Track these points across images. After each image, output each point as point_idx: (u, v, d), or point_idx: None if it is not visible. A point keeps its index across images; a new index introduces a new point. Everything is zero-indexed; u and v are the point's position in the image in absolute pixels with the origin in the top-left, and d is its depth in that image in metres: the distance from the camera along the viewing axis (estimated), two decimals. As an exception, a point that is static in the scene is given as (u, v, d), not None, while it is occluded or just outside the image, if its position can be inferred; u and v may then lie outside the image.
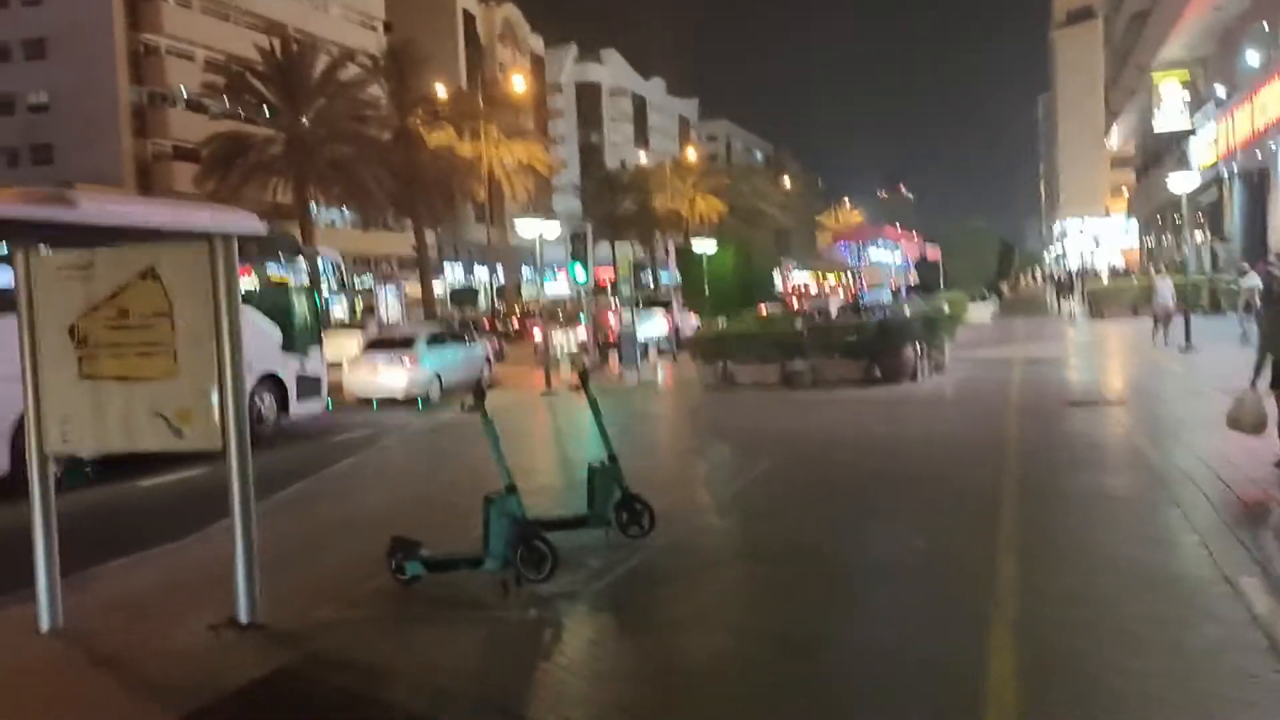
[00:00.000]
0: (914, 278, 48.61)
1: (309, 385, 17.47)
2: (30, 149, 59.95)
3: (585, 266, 24.47)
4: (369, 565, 7.93)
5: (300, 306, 17.60)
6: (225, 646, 6.58)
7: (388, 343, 22.36)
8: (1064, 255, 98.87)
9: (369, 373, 21.44)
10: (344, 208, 54.89)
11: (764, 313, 31.21)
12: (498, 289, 71.69)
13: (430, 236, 56.79)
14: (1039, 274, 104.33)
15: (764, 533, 9.15)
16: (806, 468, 12.38)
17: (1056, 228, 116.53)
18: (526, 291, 70.02)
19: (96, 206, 15.01)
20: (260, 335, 16.26)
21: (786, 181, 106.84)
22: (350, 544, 9.30)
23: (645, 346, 28.15)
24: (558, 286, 55.46)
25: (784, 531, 9.16)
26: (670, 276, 45.27)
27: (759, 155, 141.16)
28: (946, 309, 25.08)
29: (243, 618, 6.88)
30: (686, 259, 34.99)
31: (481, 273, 72.73)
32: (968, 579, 7.22)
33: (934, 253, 48.63)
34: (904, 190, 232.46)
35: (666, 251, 31.74)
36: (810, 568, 7.86)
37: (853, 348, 20.56)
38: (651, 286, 55.42)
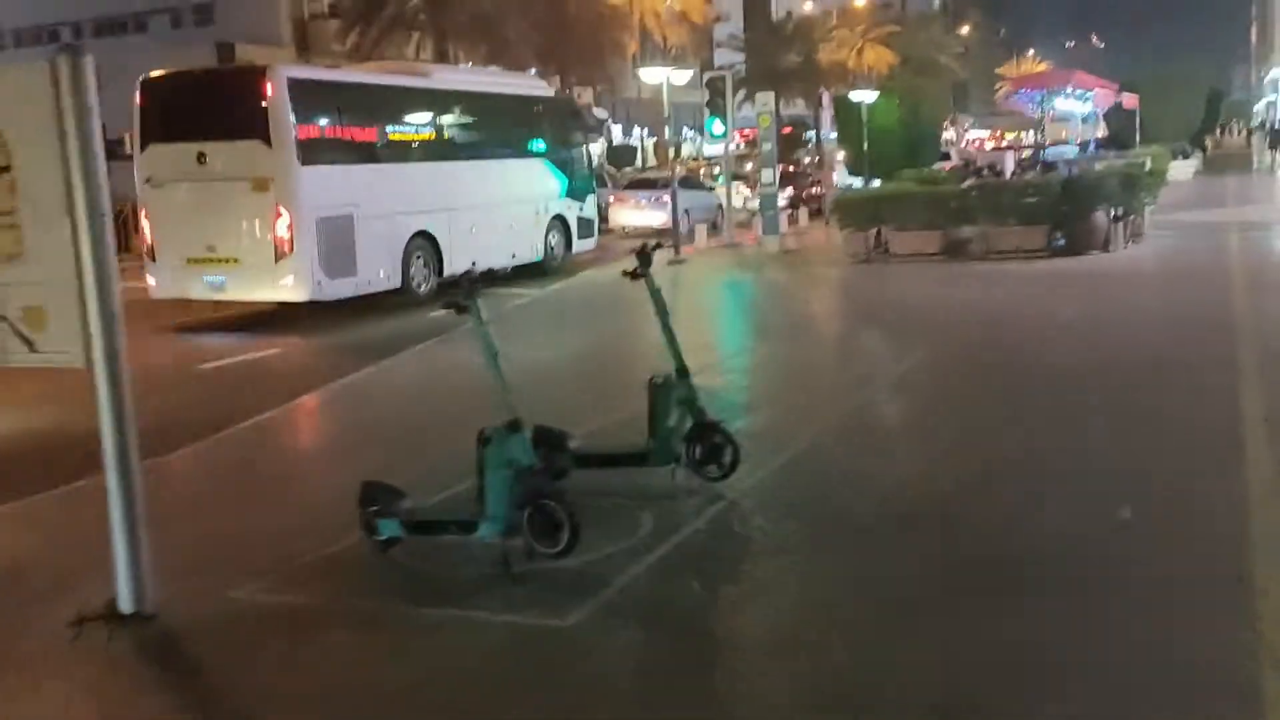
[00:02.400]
0: (1104, 130, 43.41)
1: (586, 226, 20.15)
2: (192, 9, 59.57)
3: (724, 120, 21.67)
4: (349, 512, 5.75)
5: (580, 159, 20.28)
6: (75, 654, 4.56)
7: (646, 183, 25.65)
8: (1277, 104, 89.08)
9: (631, 208, 24.88)
10: (488, 65, 52.52)
11: (949, 166, 27.76)
12: (655, 146, 68.61)
13: (588, 95, 54.10)
14: (1245, 127, 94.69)
15: (892, 473, 6.60)
16: (966, 365, 9.68)
17: (1269, 74, 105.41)
18: (687, 149, 66.75)
19: (439, 74, 18.91)
20: (550, 183, 19.12)
21: (965, 31, 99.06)
22: (357, 467, 7.18)
23: (793, 210, 25.46)
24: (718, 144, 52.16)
25: (921, 472, 6.58)
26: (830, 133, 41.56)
27: (935, 2, 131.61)
28: (1149, 164, 21.26)
29: (124, 606, 4.84)
30: (844, 111, 31.46)
31: (642, 131, 69.59)
32: (1207, 591, 4.59)
33: (1130, 101, 43.11)
34: (1094, 40, 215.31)
35: (821, 103, 28.28)
36: (949, 546, 5.31)
37: (1032, 211, 17.28)
38: (814, 143, 51.56)
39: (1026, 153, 38.17)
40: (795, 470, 6.61)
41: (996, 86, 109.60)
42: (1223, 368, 8.49)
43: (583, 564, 5.15)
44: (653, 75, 20.30)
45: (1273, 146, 47.98)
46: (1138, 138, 42.10)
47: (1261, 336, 9.78)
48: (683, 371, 6.25)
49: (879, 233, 18.45)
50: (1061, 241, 17.03)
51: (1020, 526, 5.51)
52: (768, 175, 20.20)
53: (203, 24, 57.51)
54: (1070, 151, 34.61)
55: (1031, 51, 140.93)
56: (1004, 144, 54.67)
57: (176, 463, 7.44)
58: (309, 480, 7.47)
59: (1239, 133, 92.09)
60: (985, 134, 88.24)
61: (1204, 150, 52.48)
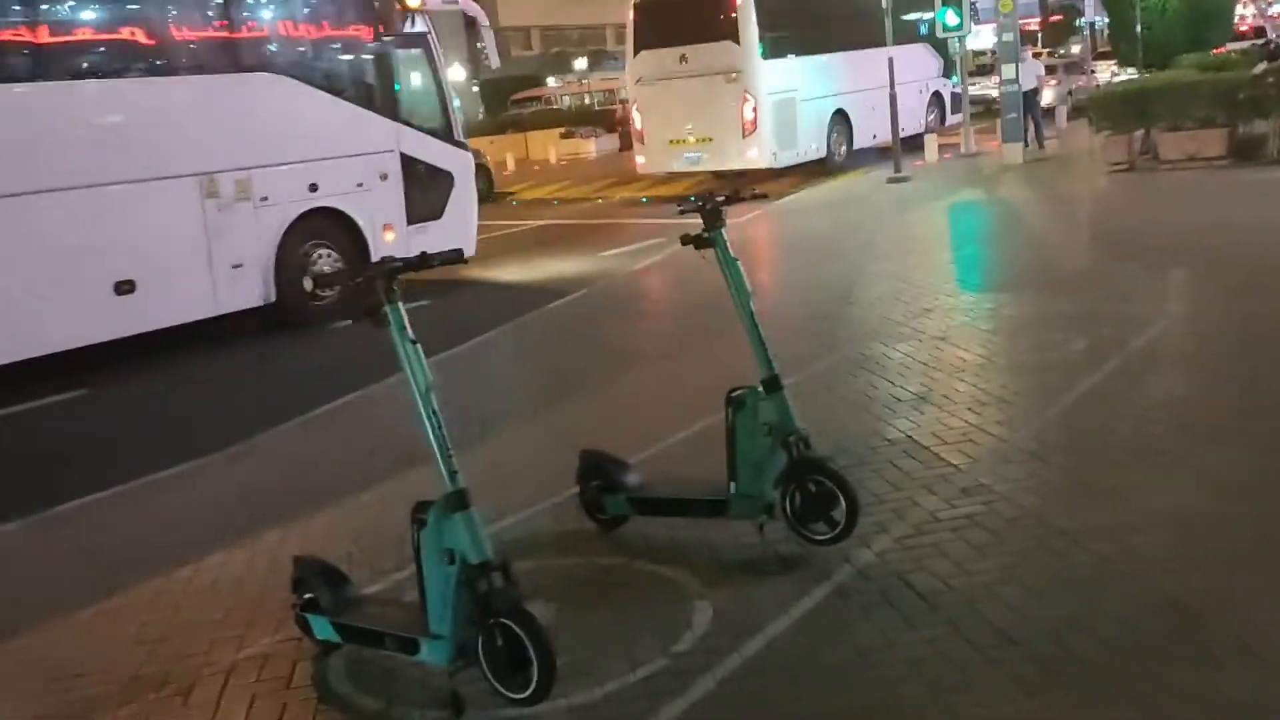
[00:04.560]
0: None
1: (956, 100, 22.15)
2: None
3: (959, 10, 18.80)
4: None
5: (950, 44, 21.29)
6: None
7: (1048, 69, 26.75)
8: None
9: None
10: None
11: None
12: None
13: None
14: None
15: (1120, 541, 4.11)
16: (1255, 327, 6.97)
17: None
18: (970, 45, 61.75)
19: None
20: (930, 64, 22.31)
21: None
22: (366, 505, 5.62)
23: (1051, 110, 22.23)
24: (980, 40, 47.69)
25: (1172, 543, 4.06)
26: (1096, 17, 36.62)
27: None
28: None
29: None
30: (1113, -10, 27.29)
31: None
32: None
33: None
34: None
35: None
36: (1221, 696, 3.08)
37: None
38: (1088, 34, 46.14)
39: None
40: (954, 525, 4.39)
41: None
42: None
43: (569, 711, 3.32)
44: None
45: None
46: None
47: None
48: (772, 384, 4.22)
49: (1147, 134, 15.30)
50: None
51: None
52: (1009, 71, 17.20)
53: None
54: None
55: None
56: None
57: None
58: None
59: None
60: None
61: None
